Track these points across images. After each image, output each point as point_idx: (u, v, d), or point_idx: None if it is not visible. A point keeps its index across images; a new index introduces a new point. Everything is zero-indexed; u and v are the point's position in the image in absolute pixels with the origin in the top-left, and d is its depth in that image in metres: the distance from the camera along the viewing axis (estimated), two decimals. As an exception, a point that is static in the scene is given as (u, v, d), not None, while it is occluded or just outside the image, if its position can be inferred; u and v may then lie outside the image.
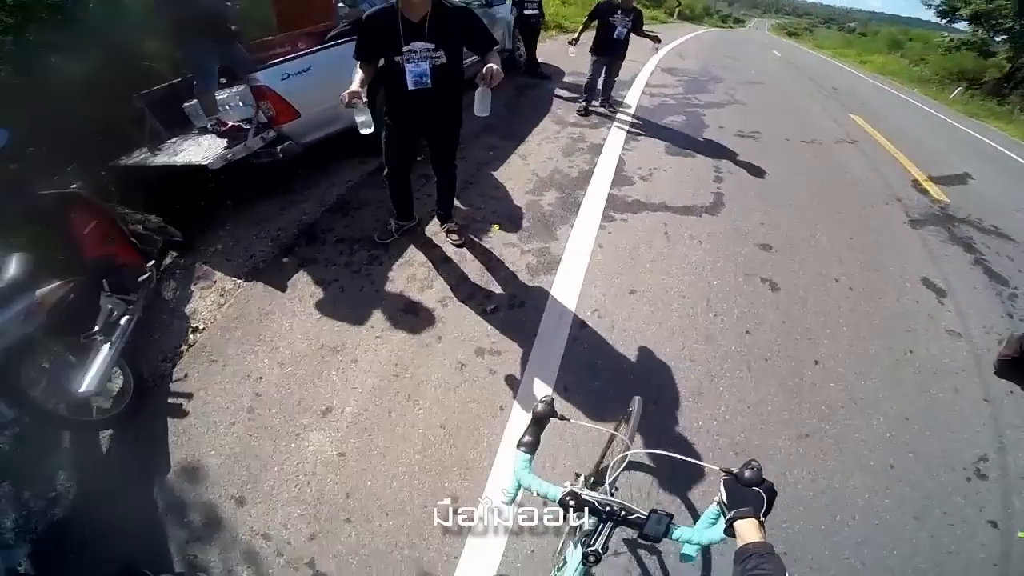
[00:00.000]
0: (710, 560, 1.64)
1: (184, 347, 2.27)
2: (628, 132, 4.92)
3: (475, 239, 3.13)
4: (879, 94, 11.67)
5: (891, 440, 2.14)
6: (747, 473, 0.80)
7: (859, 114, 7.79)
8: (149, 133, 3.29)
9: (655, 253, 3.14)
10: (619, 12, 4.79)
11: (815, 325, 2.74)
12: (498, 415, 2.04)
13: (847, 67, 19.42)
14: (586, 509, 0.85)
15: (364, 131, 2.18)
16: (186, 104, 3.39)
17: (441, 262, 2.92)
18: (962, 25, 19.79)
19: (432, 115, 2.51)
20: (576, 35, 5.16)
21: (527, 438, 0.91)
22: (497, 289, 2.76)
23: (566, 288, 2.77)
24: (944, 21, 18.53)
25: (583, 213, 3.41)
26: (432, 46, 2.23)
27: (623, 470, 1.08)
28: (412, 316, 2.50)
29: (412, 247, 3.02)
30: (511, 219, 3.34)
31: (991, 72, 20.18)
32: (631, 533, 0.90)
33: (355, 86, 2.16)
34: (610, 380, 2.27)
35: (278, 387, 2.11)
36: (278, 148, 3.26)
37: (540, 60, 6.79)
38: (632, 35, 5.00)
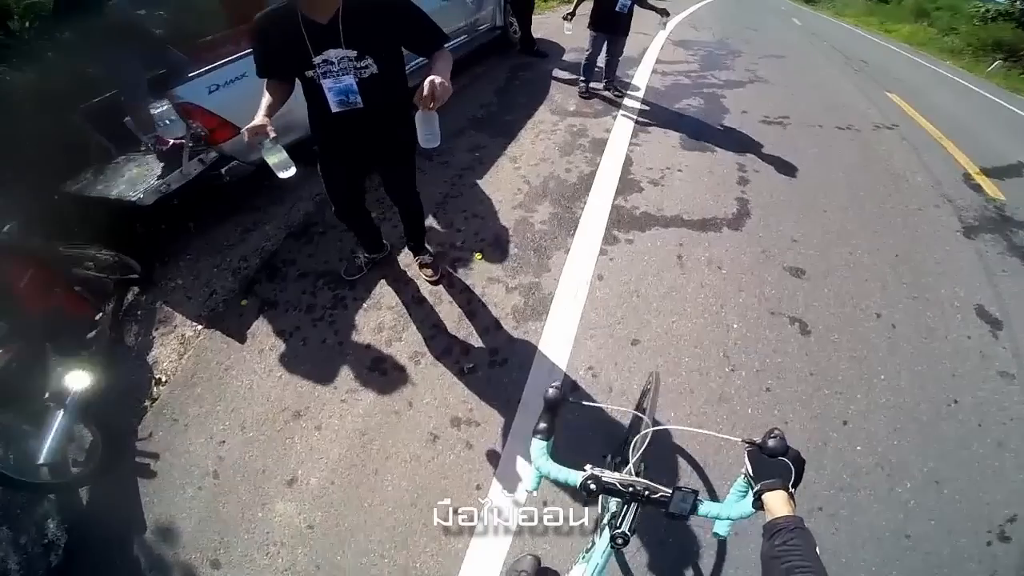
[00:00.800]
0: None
1: (147, 402, 2.06)
2: (636, 121, 4.17)
3: (453, 272, 2.53)
4: (912, 68, 10.54)
5: (914, 508, 1.83)
6: (771, 442, 0.75)
7: (895, 92, 6.89)
8: (94, 152, 2.73)
9: (665, 287, 2.50)
10: None
11: (848, 376, 2.21)
12: (474, 494, 1.76)
13: (872, 37, 17.91)
14: (608, 491, 0.81)
15: (282, 174, 1.59)
16: (126, 118, 2.77)
17: (414, 304, 2.39)
18: None
19: (371, 142, 1.86)
20: (572, 8, 4.33)
21: (542, 424, 0.88)
22: (477, 342, 2.22)
23: (557, 339, 2.18)
24: None
25: (581, 234, 2.75)
26: (353, 53, 1.57)
27: (647, 448, 1.03)
28: (380, 375, 2.11)
29: (382, 283, 2.48)
30: (496, 244, 2.70)
31: (1024, 41, 18.61)
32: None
33: (259, 117, 1.56)
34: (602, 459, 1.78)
35: (241, 452, 1.91)
36: (223, 171, 2.67)
37: (536, 36, 5.95)
38: (637, 6, 4.19)
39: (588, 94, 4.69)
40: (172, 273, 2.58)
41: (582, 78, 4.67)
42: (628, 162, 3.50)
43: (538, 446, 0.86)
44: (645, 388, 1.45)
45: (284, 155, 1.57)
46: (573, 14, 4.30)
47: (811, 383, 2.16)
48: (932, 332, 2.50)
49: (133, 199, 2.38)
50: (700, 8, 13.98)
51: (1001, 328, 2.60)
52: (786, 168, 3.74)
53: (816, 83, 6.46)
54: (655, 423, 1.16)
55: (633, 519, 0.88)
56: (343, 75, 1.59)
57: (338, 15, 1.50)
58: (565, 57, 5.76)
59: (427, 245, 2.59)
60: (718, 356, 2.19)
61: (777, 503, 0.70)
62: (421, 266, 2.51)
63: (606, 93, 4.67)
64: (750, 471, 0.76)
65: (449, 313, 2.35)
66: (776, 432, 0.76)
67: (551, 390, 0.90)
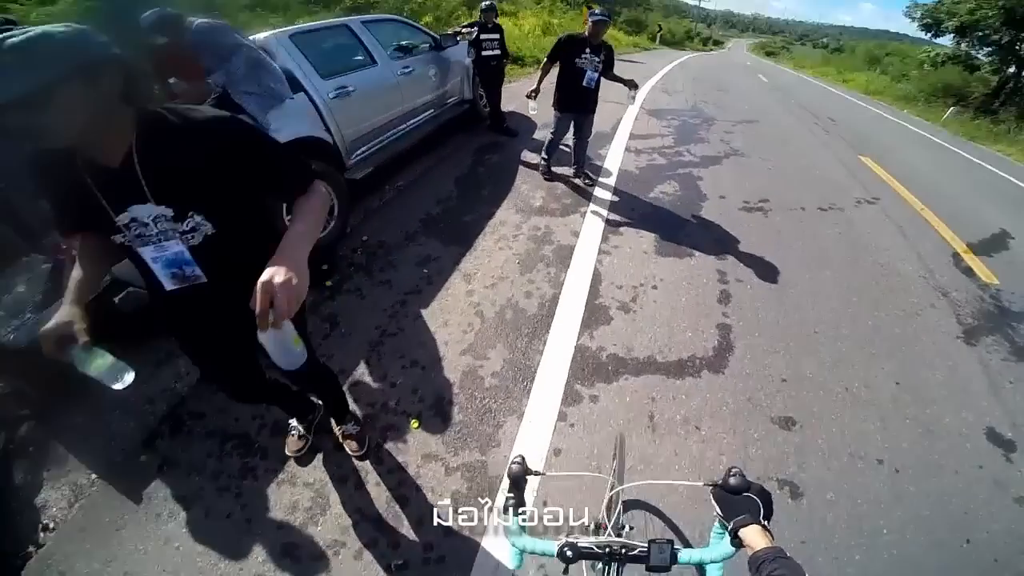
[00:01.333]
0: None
1: (32, 548, 1.74)
2: (607, 221, 3.72)
3: (383, 443, 1.99)
4: (876, 122, 10.65)
5: None
6: (732, 480, 0.76)
7: (868, 154, 6.73)
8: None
9: (633, 459, 1.96)
10: (587, 51, 3.62)
11: (845, 540, 1.79)
12: None
13: (834, 89, 18.57)
14: (586, 556, 0.79)
15: (116, 385, 1.03)
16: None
17: (337, 480, 1.87)
18: (943, 39, 19.09)
19: (231, 324, 1.25)
20: (535, 85, 3.87)
21: (509, 500, 0.84)
22: (409, 533, 1.71)
23: (504, 535, 1.64)
24: (928, 35, 17.69)
25: (538, 390, 2.21)
26: (169, 212, 1.03)
27: (621, 509, 1.04)
28: (293, 563, 1.65)
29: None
30: (437, 407, 2.15)
31: (973, 86, 19.43)
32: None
33: (62, 311, 1.01)
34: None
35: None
36: (115, 299, 2.16)
37: (507, 110, 5.67)
38: (603, 79, 3.89)
39: (551, 175, 4.31)
40: (73, 408, 2.12)
41: (544, 156, 4.30)
42: (596, 278, 3.02)
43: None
44: (613, 452, 1.43)
45: (109, 359, 1.03)
46: (537, 91, 3.87)
47: (804, 551, 1.73)
48: (940, 469, 2.09)
49: (2, 339, 1.92)
50: (672, 68, 14.36)
51: (1015, 450, 2.23)
52: (770, 273, 3.29)
53: (792, 152, 6.24)
54: (616, 485, 1.18)
55: None
56: (166, 242, 1.06)
57: (131, 153, 0.96)
58: (536, 135, 5.44)
59: (353, 409, 2.08)
60: (694, 537, 1.67)
61: (755, 537, 0.69)
62: (344, 437, 1.96)
63: (576, 181, 4.28)
64: (719, 511, 0.76)
65: (377, 496, 1.80)
66: (735, 470, 0.77)
67: (514, 465, 0.87)
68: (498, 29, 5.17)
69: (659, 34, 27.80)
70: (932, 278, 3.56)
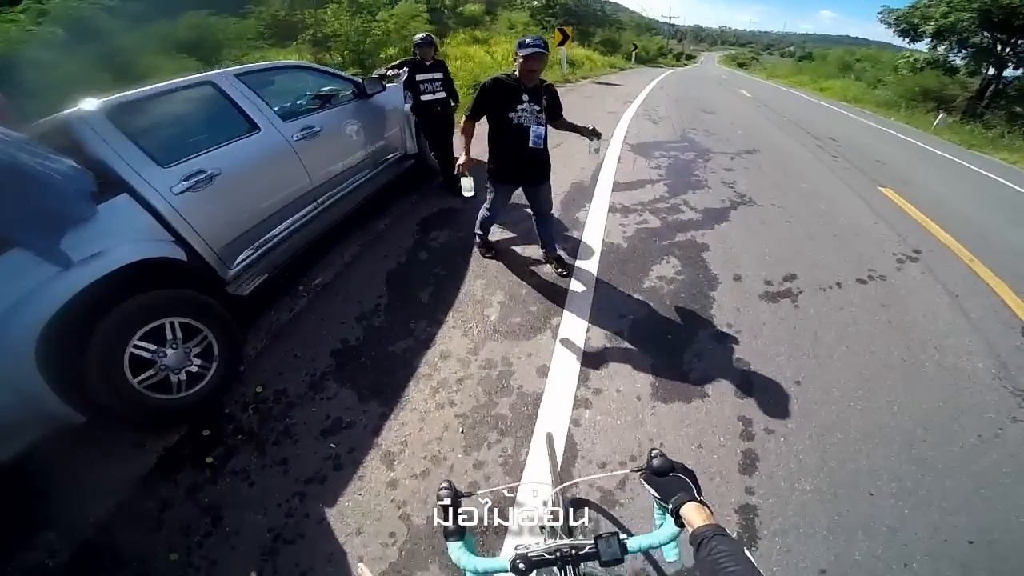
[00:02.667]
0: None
1: None
2: (587, 343, 2.55)
3: None
4: (874, 137, 9.71)
5: None
6: (655, 462, 0.77)
7: (886, 184, 5.73)
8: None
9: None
10: (524, 99, 2.50)
11: None
12: None
13: (815, 99, 17.84)
14: (539, 564, 0.75)
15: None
16: None
17: None
18: (920, 43, 18.47)
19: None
20: (462, 156, 2.59)
21: (448, 526, 0.80)
22: None
23: None
24: (906, 40, 17.04)
25: None
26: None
27: (569, 510, 0.97)
28: None
29: None
30: None
31: (950, 89, 18.77)
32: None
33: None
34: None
35: None
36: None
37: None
38: (560, 131, 2.86)
39: (490, 252, 3.29)
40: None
41: (478, 232, 3.23)
42: (570, 453, 1.91)
43: (455, 547, 0.78)
44: (547, 454, 1.47)
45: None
46: (468, 163, 2.56)
47: None
48: None
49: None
50: (653, 89, 13.44)
51: None
52: (809, 408, 2.19)
53: (807, 191, 5.16)
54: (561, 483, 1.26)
55: None
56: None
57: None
58: None
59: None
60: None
61: (694, 514, 0.69)
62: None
63: (549, 267, 3.20)
64: (655, 494, 0.76)
65: None
66: (655, 451, 0.79)
67: (442, 491, 0.84)
68: (439, 67, 4.13)
69: (634, 53, 27.21)
70: (1006, 372, 2.55)
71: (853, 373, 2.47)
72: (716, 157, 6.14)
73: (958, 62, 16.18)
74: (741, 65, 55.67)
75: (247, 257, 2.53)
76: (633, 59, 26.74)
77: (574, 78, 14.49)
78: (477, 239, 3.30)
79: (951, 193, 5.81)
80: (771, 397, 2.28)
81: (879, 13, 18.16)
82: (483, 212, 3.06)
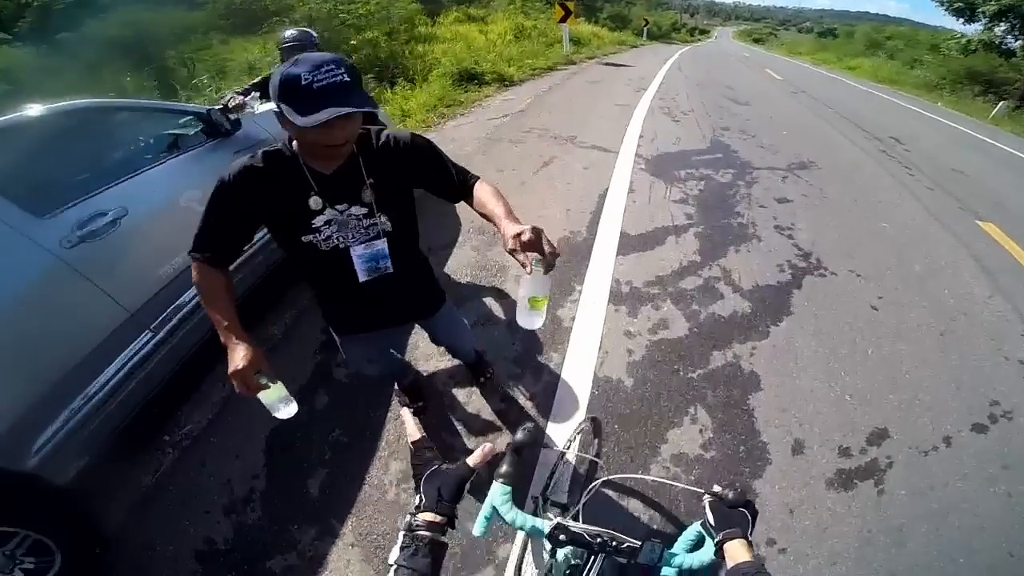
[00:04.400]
0: None
1: None
2: None
3: None
4: (937, 132, 7.74)
5: None
6: (731, 495, 0.72)
7: (985, 215, 3.98)
8: None
9: None
10: (324, 203, 0.96)
11: None
12: None
13: (849, 80, 15.48)
14: (573, 542, 0.70)
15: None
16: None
17: None
18: (949, 22, 15.88)
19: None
20: (229, 344, 0.95)
21: (506, 468, 0.72)
22: None
23: None
24: (960, 20, 14.53)
25: None
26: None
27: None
28: None
29: None
30: None
31: (1001, 72, 16.19)
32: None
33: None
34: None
35: None
36: None
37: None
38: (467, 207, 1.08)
39: (416, 403, 1.77)
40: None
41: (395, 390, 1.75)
42: None
43: (502, 491, 0.70)
44: (576, 433, 1.32)
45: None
46: (249, 368, 0.91)
47: None
48: None
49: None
50: (669, 70, 11.19)
51: None
52: None
53: (891, 237, 3.32)
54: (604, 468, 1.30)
55: (599, 571, 0.76)
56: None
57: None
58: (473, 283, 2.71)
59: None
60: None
61: (738, 550, 0.66)
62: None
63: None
64: (711, 521, 0.72)
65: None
66: (736, 485, 0.76)
67: (521, 433, 0.75)
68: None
69: (646, 28, 24.47)
70: None
71: None
72: (762, 176, 4.33)
73: (1016, 44, 13.67)
74: (757, 41, 51.74)
75: (51, 438, 1.36)
76: (645, 35, 24.06)
77: (579, 58, 12.36)
78: (395, 388, 1.79)
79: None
80: None
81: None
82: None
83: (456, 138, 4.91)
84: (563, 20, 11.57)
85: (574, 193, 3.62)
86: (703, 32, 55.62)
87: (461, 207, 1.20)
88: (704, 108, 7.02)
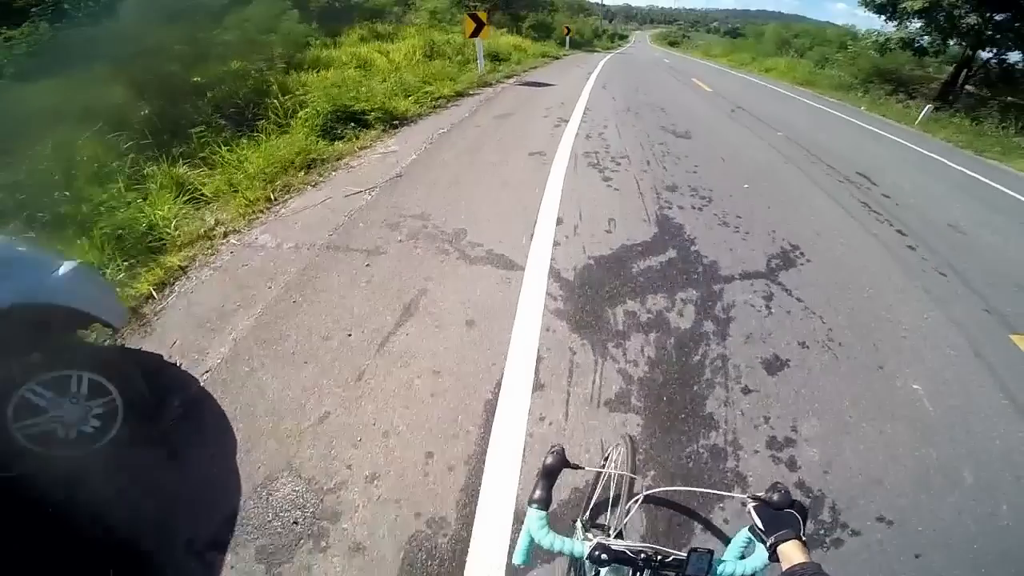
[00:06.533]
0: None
1: None
2: None
3: None
4: (895, 156, 6.73)
5: None
6: (776, 497, 0.70)
7: (1019, 328, 2.66)
8: None
9: None
10: None
11: None
12: None
13: (772, 85, 14.94)
14: (618, 560, 0.68)
15: None
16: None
17: None
18: (840, 17, 15.98)
19: None
20: None
21: (539, 493, 0.72)
22: None
23: None
24: (882, 19, 14.32)
25: None
26: None
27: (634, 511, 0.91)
28: None
29: None
30: None
31: (907, 71, 16.36)
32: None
33: None
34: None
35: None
36: None
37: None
38: None
39: None
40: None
41: None
42: None
43: (537, 517, 0.70)
44: (615, 450, 1.30)
45: None
46: None
47: None
48: None
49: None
50: (592, 92, 9.25)
51: None
52: None
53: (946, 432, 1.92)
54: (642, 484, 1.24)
55: None
56: None
57: None
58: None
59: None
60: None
61: (793, 552, 0.64)
62: None
63: None
64: (759, 525, 0.70)
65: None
66: (780, 486, 0.72)
67: (550, 456, 0.75)
68: None
69: (568, 37, 23.28)
70: None
71: None
72: (736, 300, 2.74)
73: (924, 44, 13.58)
74: (672, 44, 52.81)
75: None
76: (567, 44, 22.88)
77: (496, 78, 10.58)
78: None
79: None
80: None
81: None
82: None
83: (277, 242, 2.96)
84: (475, 35, 9.76)
85: (443, 407, 1.83)
86: (622, 37, 56.35)
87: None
88: (641, 150, 5.47)
